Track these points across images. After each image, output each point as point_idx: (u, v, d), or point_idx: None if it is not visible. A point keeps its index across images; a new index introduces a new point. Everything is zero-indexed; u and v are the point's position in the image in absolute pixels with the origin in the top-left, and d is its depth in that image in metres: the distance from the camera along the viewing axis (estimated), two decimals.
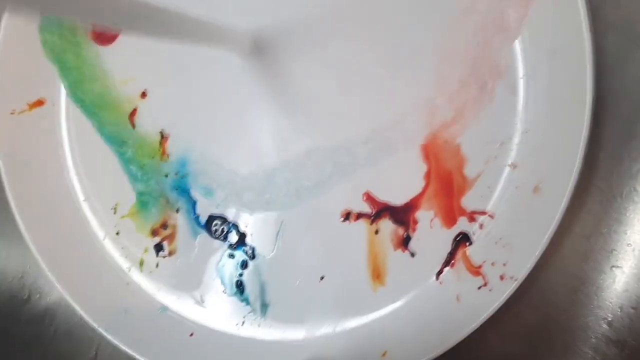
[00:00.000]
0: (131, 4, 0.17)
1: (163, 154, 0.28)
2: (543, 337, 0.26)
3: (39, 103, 0.29)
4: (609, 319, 0.26)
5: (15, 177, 0.28)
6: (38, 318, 0.32)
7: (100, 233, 0.30)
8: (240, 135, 0.27)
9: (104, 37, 0.29)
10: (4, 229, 0.32)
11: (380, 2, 0.26)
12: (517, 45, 0.25)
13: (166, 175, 0.28)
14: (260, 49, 0.26)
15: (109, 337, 0.28)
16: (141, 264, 0.29)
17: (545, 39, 0.24)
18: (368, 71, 0.26)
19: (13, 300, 0.33)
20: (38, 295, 0.32)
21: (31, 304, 0.32)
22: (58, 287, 0.28)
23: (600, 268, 0.26)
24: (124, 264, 0.30)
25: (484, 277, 0.25)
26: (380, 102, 0.26)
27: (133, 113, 0.29)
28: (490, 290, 0.25)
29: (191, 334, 0.28)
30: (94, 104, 0.29)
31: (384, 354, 0.26)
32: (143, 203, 0.29)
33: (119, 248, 0.30)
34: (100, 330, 0.28)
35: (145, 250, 0.29)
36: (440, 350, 0.25)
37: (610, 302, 0.26)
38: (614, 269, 0.26)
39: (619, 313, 0.26)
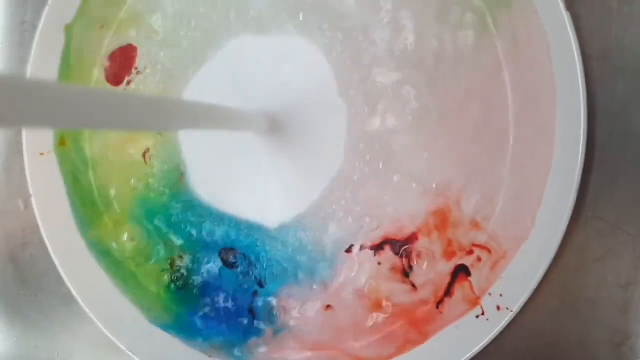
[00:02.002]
0: (164, 107, 0.19)
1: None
2: None
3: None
4: None
5: (47, 214, 0.31)
6: None
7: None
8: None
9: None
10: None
11: None
12: None
13: None
14: (274, 128, 0.28)
15: (132, 355, 0.30)
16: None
17: None
18: None
19: None
20: None
21: None
22: (90, 314, 0.30)
23: None
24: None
25: (481, 307, 0.26)
26: None
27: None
28: (487, 319, 0.26)
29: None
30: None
31: None
32: None
33: None
34: (124, 348, 0.30)
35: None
36: None
37: None
38: None
39: None
